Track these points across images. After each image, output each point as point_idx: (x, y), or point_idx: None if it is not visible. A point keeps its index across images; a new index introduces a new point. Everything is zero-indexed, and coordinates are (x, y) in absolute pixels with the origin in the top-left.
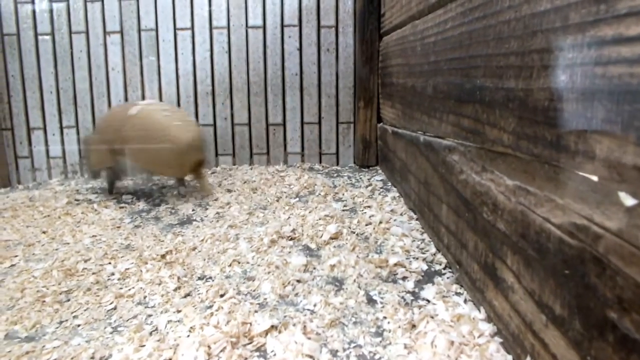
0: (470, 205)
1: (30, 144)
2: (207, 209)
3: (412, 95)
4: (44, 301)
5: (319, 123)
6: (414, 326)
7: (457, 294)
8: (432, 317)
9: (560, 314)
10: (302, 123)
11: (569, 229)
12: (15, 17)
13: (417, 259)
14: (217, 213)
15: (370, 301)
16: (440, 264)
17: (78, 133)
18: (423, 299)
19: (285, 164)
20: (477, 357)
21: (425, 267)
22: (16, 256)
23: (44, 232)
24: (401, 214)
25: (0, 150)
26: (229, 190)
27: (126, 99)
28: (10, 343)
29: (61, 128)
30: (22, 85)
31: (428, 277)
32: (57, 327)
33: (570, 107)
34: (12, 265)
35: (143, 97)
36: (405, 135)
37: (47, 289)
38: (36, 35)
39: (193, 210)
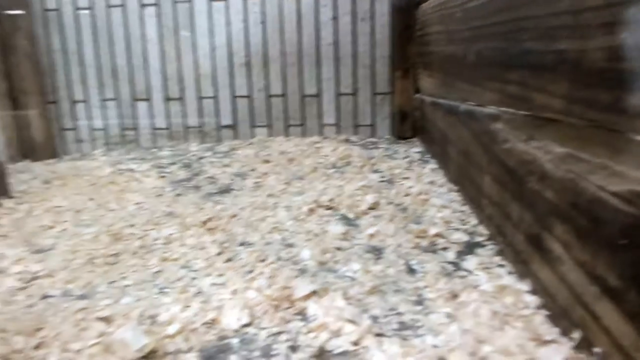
0: (515, 174)
1: (74, 116)
2: (245, 178)
3: (451, 64)
4: (94, 263)
5: (355, 94)
6: (455, 296)
7: (500, 265)
8: (474, 288)
9: (614, 286)
10: (338, 94)
11: (627, 197)
12: None
13: (458, 230)
14: (255, 183)
15: (410, 270)
16: (482, 236)
17: (118, 105)
18: (464, 270)
19: (321, 135)
20: (522, 328)
21: (466, 238)
22: (66, 221)
23: (91, 200)
24: (440, 186)
25: (47, 123)
26: (266, 161)
27: (163, 72)
28: (66, 300)
29: (102, 101)
30: (65, 60)
31: (469, 248)
32: (107, 287)
33: (631, 67)
34: (64, 230)
35: (179, 69)
36: (445, 105)
37: (97, 252)
38: (75, 9)
39: (232, 179)
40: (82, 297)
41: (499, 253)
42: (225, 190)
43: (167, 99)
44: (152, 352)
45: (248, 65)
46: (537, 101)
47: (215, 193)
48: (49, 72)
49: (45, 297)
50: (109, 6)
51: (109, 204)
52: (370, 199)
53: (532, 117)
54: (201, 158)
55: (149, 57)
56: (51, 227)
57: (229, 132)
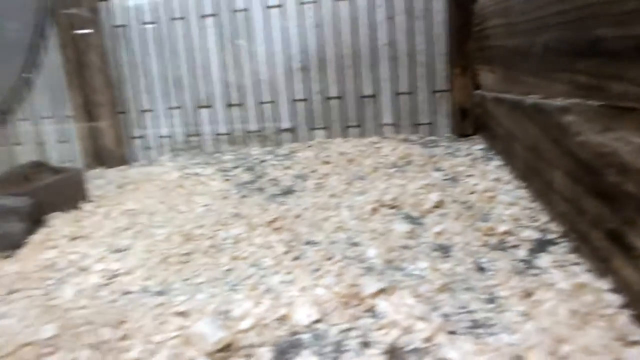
0: (591, 168)
1: (141, 125)
2: (306, 180)
3: (514, 57)
4: (169, 261)
5: (413, 93)
6: (529, 294)
7: (575, 263)
8: (550, 286)
9: None
10: (395, 93)
11: None
12: (123, 9)
13: (528, 227)
14: (317, 184)
15: (480, 269)
16: (554, 233)
17: (183, 113)
18: (537, 268)
19: (379, 135)
20: (605, 327)
21: (537, 235)
22: (141, 223)
23: (161, 203)
24: (506, 183)
25: (118, 132)
26: (326, 162)
27: (224, 79)
28: (145, 296)
29: (168, 109)
30: (132, 72)
31: (541, 245)
32: (182, 284)
33: None
34: (139, 231)
35: (240, 76)
36: (508, 100)
37: (170, 251)
38: (141, 24)
39: (293, 181)
40: (159, 293)
41: (574, 250)
42: (288, 192)
43: (228, 105)
44: (228, 346)
45: (305, 69)
46: (613, 90)
47: (279, 194)
48: (118, 84)
49: (125, 293)
50: (172, 19)
51: (178, 206)
52: (434, 197)
53: (608, 107)
54: (263, 161)
55: (210, 66)
56: (127, 229)
57: (288, 135)
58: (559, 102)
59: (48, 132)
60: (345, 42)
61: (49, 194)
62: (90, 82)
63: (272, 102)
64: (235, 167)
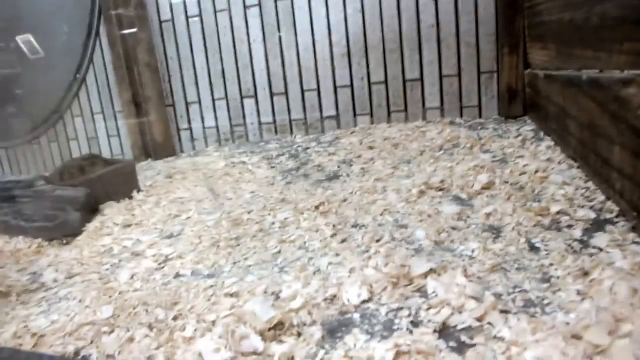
0: None
1: (188, 116)
2: (351, 165)
3: (569, 31)
4: (219, 245)
5: (459, 75)
6: (586, 273)
7: (636, 242)
8: (608, 265)
9: None
10: (441, 76)
11: None
12: (169, 4)
13: (583, 207)
14: (362, 168)
15: (533, 248)
16: (612, 212)
17: (228, 104)
18: (594, 247)
19: (424, 119)
20: None
21: (593, 215)
22: (190, 210)
23: (210, 190)
24: (559, 163)
25: (166, 124)
26: (371, 147)
27: (268, 69)
28: (196, 278)
29: (213, 101)
30: (179, 65)
31: (597, 225)
32: (232, 267)
33: None
34: (188, 218)
35: (283, 64)
36: (562, 77)
37: (220, 236)
38: (187, 18)
39: (338, 166)
40: (210, 275)
41: (634, 229)
42: (333, 177)
43: (272, 94)
44: (280, 324)
45: (348, 54)
46: None
47: (324, 180)
48: (165, 78)
49: (177, 276)
50: (216, 11)
51: (226, 193)
52: (483, 178)
53: None
54: (307, 148)
55: (254, 56)
56: (177, 216)
57: (332, 122)
58: (619, 74)
59: (99, 127)
60: (388, 25)
61: (102, 184)
62: (138, 77)
63: (315, 89)
64: (280, 155)
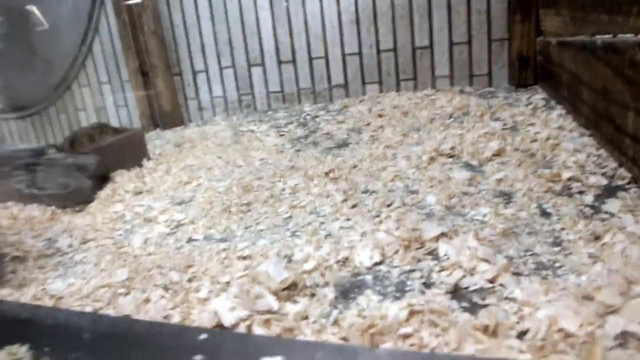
0: None
1: (196, 86)
2: (360, 133)
3: None
4: (230, 211)
5: (469, 43)
6: (597, 237)
7: None
8: (620, 230)
9: None
10: (451, 44)
11: None
12: None
13: (595, 173)
14: (372, 136)
15: (544, 214)
16: (624, 179)
17: (235, 72)
18: (606, 212)
19: (433, 88)
20: None
21: (604, 181)
22: (200, 177)
23: (219, 158)
24: (570, 130)
25: (174, 93)
26: (380, 115)
27: (275, 35)
28: (209, 243)
29: (220, 69)
30: (185, 33)
31: (609, 191)
32: (244, 231)
33: None
34: (199, 185)
35: (290, 32)
36: (576, 43)
37: (231, 201)
38: None
39: (347, 134)
40: (222, 240)
41: None
42: (343, 145)
43: (280, 62)
44: (293, 285)
45: (357, 21)
46: None
47: (333, 147)
48: (172, 47)
49: (190, 240)
50: None
51: (236, 161)
52: (494, 145)
53: None
54: (315, 117)
55: (261, 24)
56: (188, 183)
57: (340, 91)
58: (635, 38)
59: (107, 97)
60: None
61: (112, 152)
62: (144, 46)
63: (323, 57)
64: (289, 124)
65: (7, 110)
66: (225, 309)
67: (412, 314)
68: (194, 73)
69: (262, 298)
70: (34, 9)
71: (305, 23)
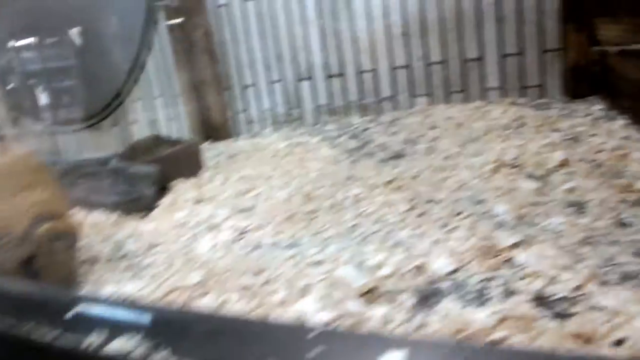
0: None
1: (245, 100)
2: (415, 144)
3: None
4: (294, 219)
5: (521, 54)
6: None
7: None
8: None
9: None
10: (502, 55)
11: None
12: None
13: None
14: (428, 147)
15: (622, 224)
16: None
17: (283, 86)
18: None
19: (484, 100)
20: None
21: None
22: (259, 187)
23: (275, 169)
24: (638, 141)
25: (223, 107)
26: (433, 127)
27: (323, 50)
28: (277, 249)
29: (269, 84)
30: (235, 49)
31: None
32: (311, 238)
33: None
34: (258, 194)
35: (339, 46)
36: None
37: (294, 210)
38: (243, 1)
39: (402, 146)
40: (290, 246)
41: None
42: (399, 156)
43: (328, 76)
44: (372, 290)
45: (406, 34)
46: None
47: (389, 158)
48: (222, 62)
49: (257, 247)
50: None
51: (292, 171)
52: (558, 156)
53: None
54: (366, 129)
55: (310, 38)
56: (247, 192)
57: (389, 103)
58: None
59: (159, 111)
60: (447, 3)
61: (170, 163)
62: (196, 61)
63: (372, 70)
64: (340, 136)
65: (63, 123)
66: (312, 311)
67: (501, 320)
68: (243, 87)
69: (346, 301)
70: (75, 32)
71: (354, 37)
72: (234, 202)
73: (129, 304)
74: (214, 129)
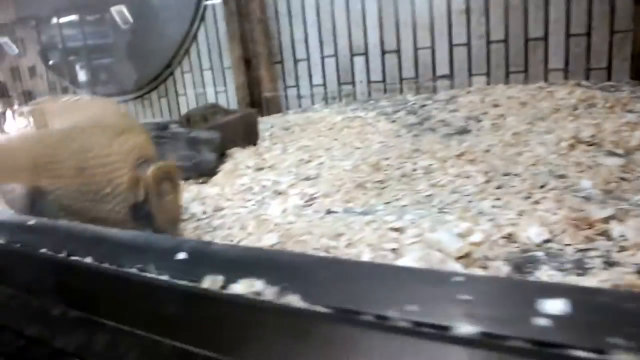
0: None
1: (296, 74)
2: (480, 121)
3: None
4: (365, 187)
5: (588, 34)
6: None
7: None
8: None
9: None
10: (568, 35)
11: None
12: None
13: None
14: (493, 124)
15: None
16: None
17: (337, 61)
18: None
19: (546, 81)
20: None
21: None
22: (321, 156)
23: (335, 140)
24: None
25: (275, 81)
26: (495, 105)
27: (380, 25)
28: (350, 215)
29: (322, 58)
30: (289, 22)
31: None
32: (385, 206)
33: None
34: (321, 163)
35: (397, 21)
36: None
37: (362, 179)
38: None
39: (465, 122)
40: (364, 213)
41: None
42: (464, 131)
43: (384, 52)
44: (467, 255)
45: (467, 11)
46: None
47: (454, 133)
48: (276, 35)
49: (330, 212)
50: None
51: (353, 143)
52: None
53: None
54: (423, 106)
55: (367, 12)
56: (309, 161)
57: (445, 82)
58: None
59: (207, 82)
60: None
61: (229, 131)
62: (250, 33)
63: (429, 47)
64: (396, 111)
65: (114, 94)
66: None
67: (613, 287)
68: (295, 61)
69: (447, 263)
70: (122, 8)
71: (413, 12)
72: (297, 170)
73: (243, 248)
74: (263, 102)
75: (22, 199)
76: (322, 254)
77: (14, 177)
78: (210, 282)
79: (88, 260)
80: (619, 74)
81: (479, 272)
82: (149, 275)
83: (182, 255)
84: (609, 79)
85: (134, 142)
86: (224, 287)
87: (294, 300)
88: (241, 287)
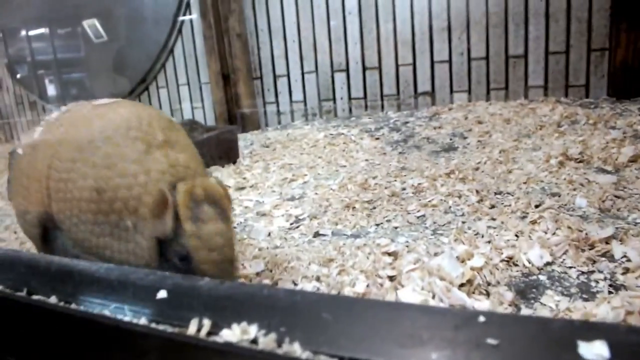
0: None
1: (276, 90)
2: (465, 138)
3: None
4: (354, 207)
5: (567, 52)
6: None
7: None
8: None
9: None
10: (547, 53)
11: None
12: None
13: None
14: (479, 141)
15: None
16: None
17: (317, 77)
18: None
19: (526, 98)
20: None
21: None
22: (305, 175)
23: (319, 157)
24: None
25: (253, 97)
26: (480, 122)
27: (362, 41)
28: (340, 238)
29: (302, 74)
30: (269, 37)
31: None
32: (376, 228)
33: None
34: (305, 182)
35: (378, 38)
36: None
37: (350, 199)
38: None
39: (451, 139)
40: (354, 236)
41: None
42: (450, 149)
43: (365, 68)
44: (469, 281)
45: (449, 28)
46: None
47: (440, 151)
48: (255, 50)
49: (317, 235)
50: None
51: (337, 160)
52: (628, 151)
53: None
54: (406, 122)
55: (348, 28)
56: (293, 180)
57: (426, 99)
58: None
59: (184, 98)
60: None
61: (207, 148)
62: (228, 48)
63: (411, 64)
64: (379, 128)
65: None
66: (417, 302)
67: (627, 314)
68: (275, 77)
69: (451, 292)
70: (95, 22)
71: (395, 29)
72: (280, 189)
73: (233, 285)
74: (242, 118)
75: (33, 228)
76: (314, 283)
77: (21, 198)
78: (196, 326)
79: (52, 300)
80: (597, 90)
81: (485, 301)
82: (124, 319)
83: (162, 294)
84: (587, 95)
85: (174, 158)
86: (212, 332)
87: (294, 350)
88: (233, 334)
